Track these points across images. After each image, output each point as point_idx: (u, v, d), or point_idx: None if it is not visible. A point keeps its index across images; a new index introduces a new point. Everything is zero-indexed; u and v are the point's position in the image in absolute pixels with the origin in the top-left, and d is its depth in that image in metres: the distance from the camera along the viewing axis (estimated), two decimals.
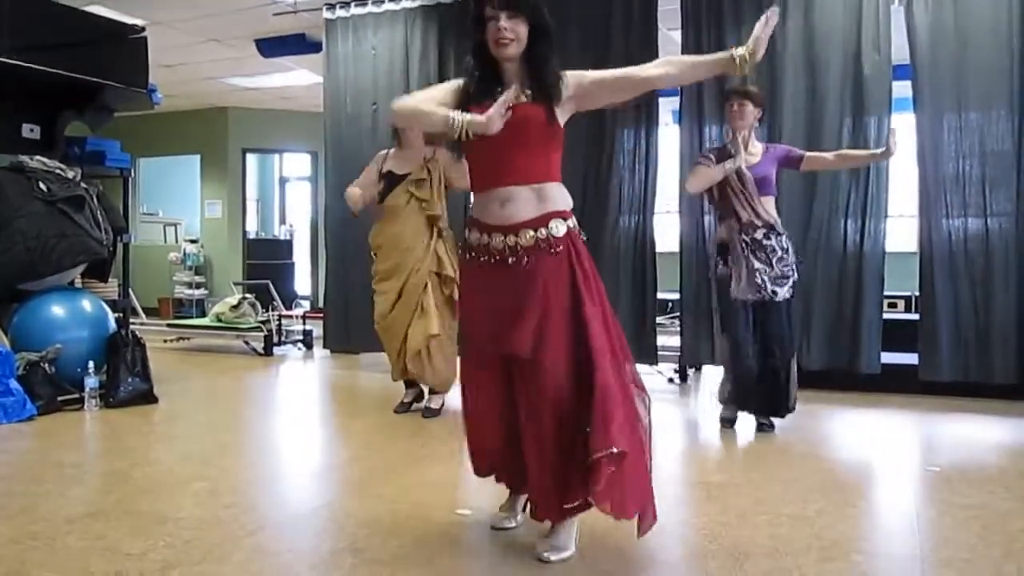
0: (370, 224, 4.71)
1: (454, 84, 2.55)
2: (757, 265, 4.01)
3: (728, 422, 4.29)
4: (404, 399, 4.77)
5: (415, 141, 4.50)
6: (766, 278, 4.01)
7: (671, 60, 2.61)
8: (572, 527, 2.52)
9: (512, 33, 2.40)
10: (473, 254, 2.54)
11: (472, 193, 2.60)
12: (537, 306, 2.40)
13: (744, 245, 4.04)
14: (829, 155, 4.37)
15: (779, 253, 4.05)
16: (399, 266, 4.51)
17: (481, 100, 2.40)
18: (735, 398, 4.25)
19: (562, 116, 2.50)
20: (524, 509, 2.71)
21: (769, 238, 4.05)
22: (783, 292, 4.05)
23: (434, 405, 4.62)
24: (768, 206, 4.09)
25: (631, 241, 5.84)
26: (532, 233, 2.43)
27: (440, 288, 4.52)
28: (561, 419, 2.39)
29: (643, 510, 2.42)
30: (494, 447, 2.63)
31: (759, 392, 4.14)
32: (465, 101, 2.44)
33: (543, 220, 2.44)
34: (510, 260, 2.44)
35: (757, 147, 4.17)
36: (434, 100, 2.46)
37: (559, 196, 2.50)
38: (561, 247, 2.43)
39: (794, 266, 4.11)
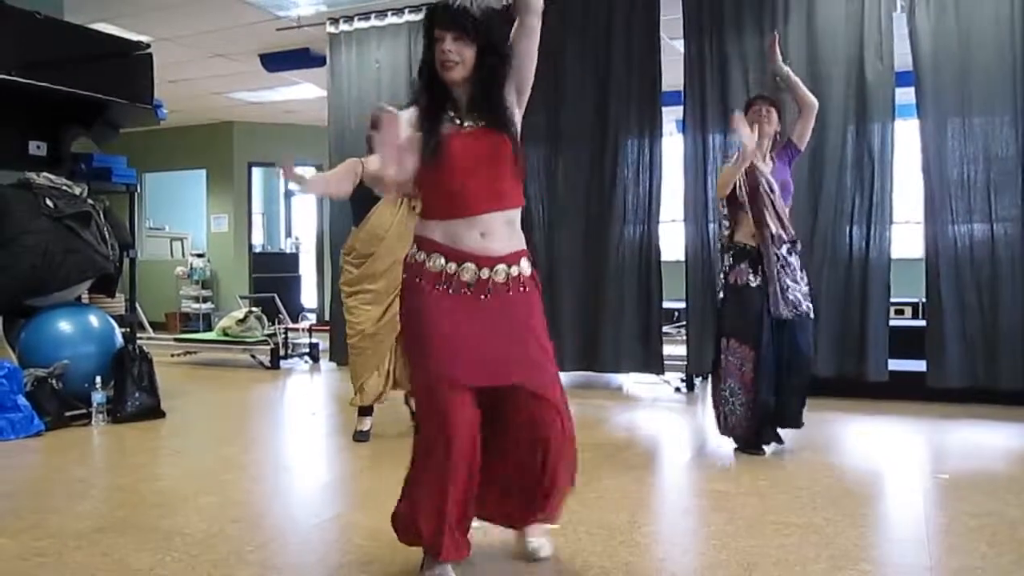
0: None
1: (411, 112, 2.38)
2: (788, 283, 3.89)
3: (757, 450, 4.02)
4: (363, 428, 4.49)
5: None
6: (799, 295, 3.91)
7: None
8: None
9: (457, 56, 2.26)
10: (436, 283, 2.33)
11: (432, 218, 2.39)
12: (517, 340, 2.38)
13: (776, 259, 3.89)
14: (799, 119, 4.08)
15: (798, 272, 3.97)
16: (396, 269, 4.31)
17: (428, 125, 2.31)
18: (753, 429, 3.97)
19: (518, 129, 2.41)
20: None
21: (791, 254, 3.95)
22: (809, 307, 3.95)
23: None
24: (790, 217, 4.00)
25: (636, 250, 5.84)
26: (505, 269, 2.36)
27: None
28: (536, 444, 2.42)
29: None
30: (473, 486, 2.38)
31: (778, 410, 3.99)
32: (428, 123, 2.34)
33: (515, 257, 2.39)
34: (482, 296, 2.33)
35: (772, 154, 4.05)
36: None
37: (520, 232, 2.45)
38: (527, 287, 2.41)
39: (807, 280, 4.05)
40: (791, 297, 3.89)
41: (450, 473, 2.30)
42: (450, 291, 2.33)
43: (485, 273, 2.33)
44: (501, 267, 2.35)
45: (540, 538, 2.61)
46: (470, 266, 2.33)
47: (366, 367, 4.35)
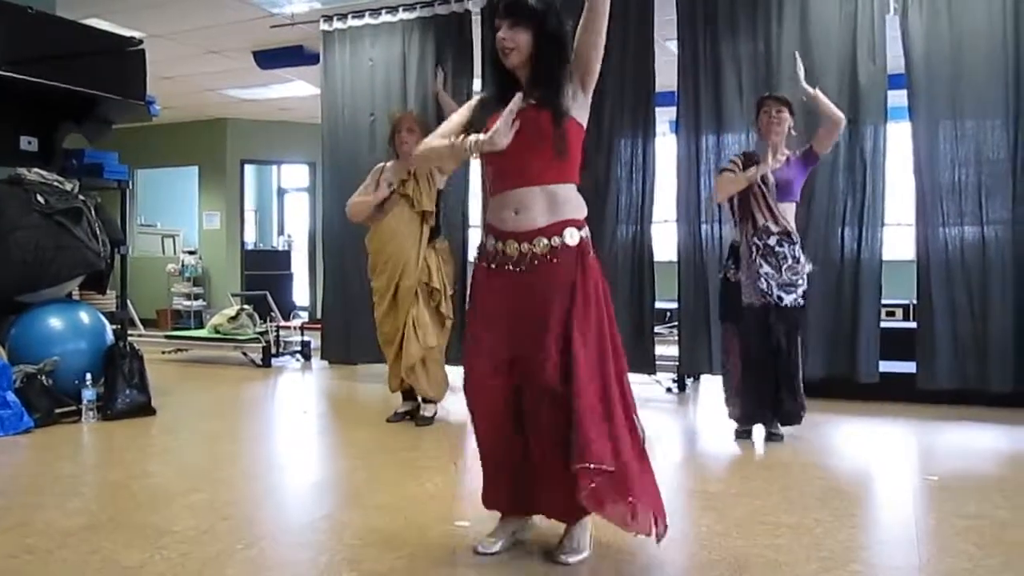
0: (367, 231, 4.73)
1: (474, 100, 2.63)
2: (766, 270, 4.04)
3: (744, 433, 4.28)
4: (399, 409, 4.80)
5: (411, 151, 4.54)
6: (773, 283, 4.04)
7: None
8: (586, 530, 2.58)
9: (512, 42, 2.43)
10: (489, 261, 2.54)
11: (489, 199, 2.60)
12: (546, 316, 2.42)
13: (755, 249, 4.06)
14: (821, 128, 4.19)
15: (789, 261, 4.07)
16: (390, 264, 4.54)
17: (497, 108, 2.43)
18: (746, 412, 4.23)
19: (579, 113, 2.51)
20: (513, 534, 2.65)
21: (782, 245, 4.07)
22: (789, 299, 4.07)
23: (427, 414, 4.68)
24: (787, 213, 4.12)
25: (629, 250, 5.83)
26: (546, 241, 2.45)
27: (428, 300, 4.55)
28: (559, 426, 2.42)
29: (653, 519, 2.46)
30: (511, 458, 2.55)
31: (770, 401, 4.17)
32: (482, 112, 2.53)
33: (557, 228, 2.46)
34: (521, 268, 2.46)
35: (786, 153, 4.17)
36: (442, 134, 2.55)
37: (573, 202, 2.52)
38: (571, 257, 2.45)
39: (804, 275, 4.13)
40: (762, 285, 4.05)
41: (479, 437, 2.59)
42: (497, 267, 2.50)
43: (525, 247, 2.45)
44: (541, 239, 2.45)
45: (570, 555, 2.51)
46: (512, 242, 2.47)
47: (385, 355, 4.71)
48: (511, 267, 2.48)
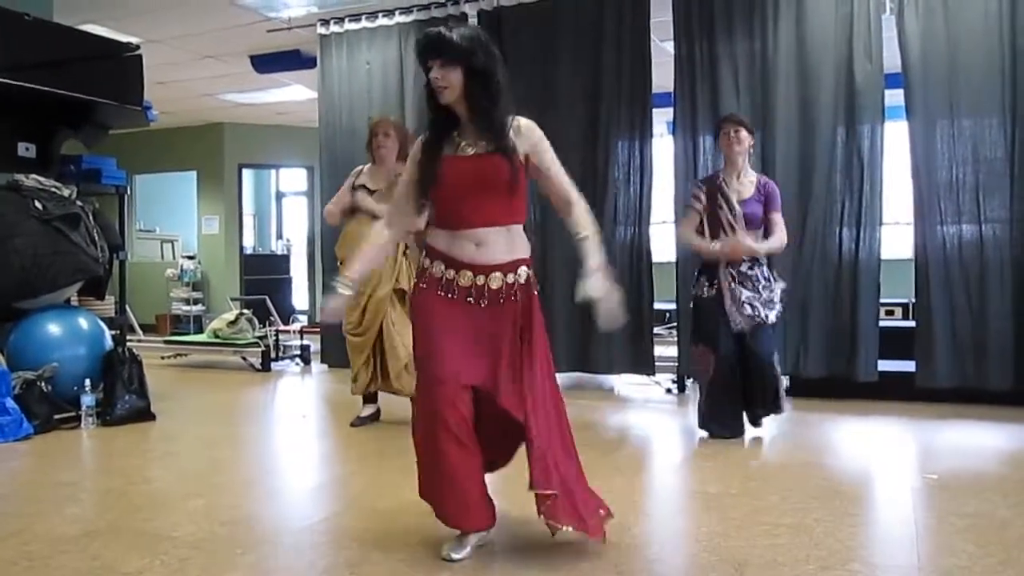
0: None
1: (417, 146, 2.62)
2: (746, 294, 4.16)
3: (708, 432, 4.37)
4: (362, 414, 4.79)
5: (388, 157, 4.51)
6: (757, 304, 4.16)
7: (577, 202, 2.72)
8: None
9: (444, 81, 2.44)
10: (438, 288, 2.54)
11: (437, 228, 2.59)
12: (500, 347, 2.51)
13: (731, 277, 4.18)
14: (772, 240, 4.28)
15: (763, 281, 4.19)
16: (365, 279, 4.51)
17: (439, 149, 2.52)
18: (720, 428, 4.29)
19: (519, 160, 2.54)
20: (476, 541, 2.65)
21: (753, 268, 4.20)
22: (772, 315, 4.20)
23: None
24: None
25: (627, 252, 5.85)
26: (501, 277, 2.52)
27: (404, 303, 4.53)
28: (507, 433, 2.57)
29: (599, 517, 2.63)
30: (476, 457, 2.58)
31: (741, 415, 4.30)
32: (425, 155, 2.55)
33: (513, 266, 2.54)
34: (474, 299, 2.51)
35: (751, 176, 4.29)
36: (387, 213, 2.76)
37: (523, 242, 2.60)
38: (521, 294, 2.55)
39: (778, 291, 4.23)
40: (747, 311, 4.16)
41: (448, 457, 2.49)
42: (449, 296, 2.52)
43: (480, 280, 2.51)
44: (497, 275, 2.52)
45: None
46: (467, 273, 2.51)
47: (353, 361, 4.67)
48: (466, 298, 2.52)
